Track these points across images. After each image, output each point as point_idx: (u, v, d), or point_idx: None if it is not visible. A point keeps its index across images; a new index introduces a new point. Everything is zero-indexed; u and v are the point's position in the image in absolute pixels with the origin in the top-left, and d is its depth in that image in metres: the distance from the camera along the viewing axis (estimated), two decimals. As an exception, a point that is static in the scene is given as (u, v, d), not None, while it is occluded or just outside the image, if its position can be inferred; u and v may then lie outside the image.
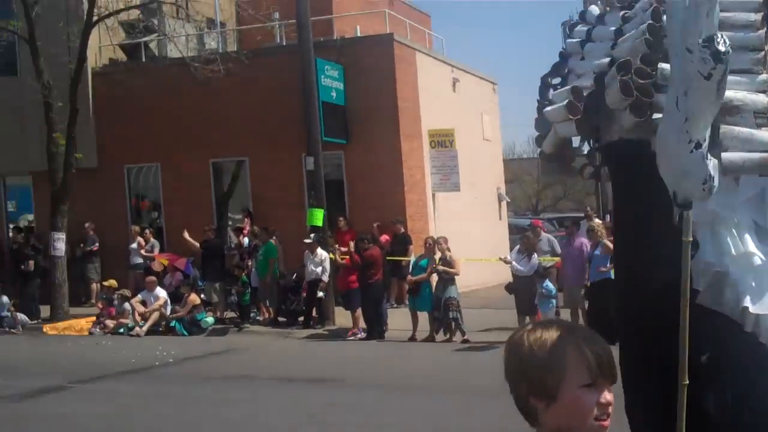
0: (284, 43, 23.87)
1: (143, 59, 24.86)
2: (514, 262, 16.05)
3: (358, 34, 23.70)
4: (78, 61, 20.62)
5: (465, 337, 15.92)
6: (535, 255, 15.98)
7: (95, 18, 20.63)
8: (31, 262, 21.18)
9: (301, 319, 18.36)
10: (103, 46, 24.26)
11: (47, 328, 19.41)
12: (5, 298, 19.75)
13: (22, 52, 23.17)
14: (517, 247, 16.52)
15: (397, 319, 17.46)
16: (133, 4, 22.00)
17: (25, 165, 24.33)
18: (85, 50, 20.76)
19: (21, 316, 19.36)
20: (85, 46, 20.66)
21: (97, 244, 22.74)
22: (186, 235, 20.03)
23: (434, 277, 16.51)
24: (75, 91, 20.53)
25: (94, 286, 22.35)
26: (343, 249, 18.12)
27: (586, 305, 15.56)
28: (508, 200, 29.64)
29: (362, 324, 17.12)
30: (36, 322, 19.90)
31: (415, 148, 22.31)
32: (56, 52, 21.50)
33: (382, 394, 11.60)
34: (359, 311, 17.17)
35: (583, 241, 15.98)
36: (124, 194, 24.18)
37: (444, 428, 9.52)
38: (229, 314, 19.55)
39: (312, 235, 18.20)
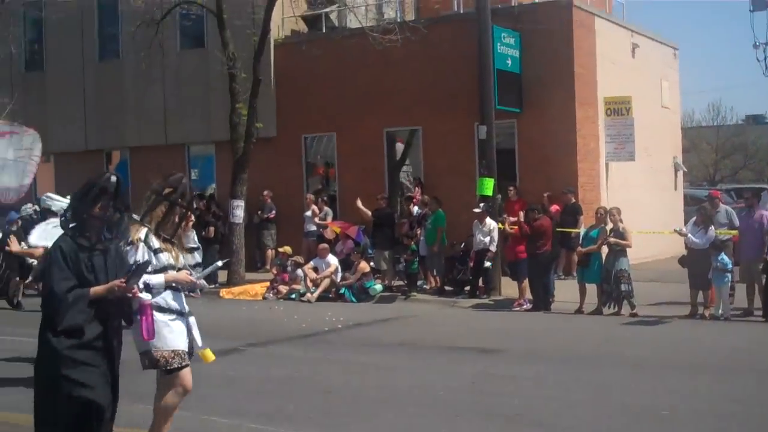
0: (461, 11, 23.77)
1: (323, 30, 25.35)
2: (689, 235, 15.50)
3: (536, 0, 23.30)
4: (261, 33, 21.12)
5: (634, 311, 15.52)
6: (712, 227, 15.35)
7: (280, -10, 21.08)
8: (212, 229, 22.01)
9: (468, 288, 18.36)
10: (285, 18, 24.85)
11: (224, 292, 19.95)
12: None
13: (210, 25, 24.12)
14: (693, 218, 15.91)
15: (565, 290, 17.19)
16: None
17: (208, 134, 25.44)
18: (269, 22, 21.25)
19: (200, 281, 19.99)
20: (269, 18, 21.15)
21: (274, 212, 23.42)
22: (359, 203, 20.36)
23: (604, 249, 16.16)
24: (258, 63, 21.03)
25: (270, 252, 23.02)
26: (513, 218, 17.97)
27: (764, 280, 14.87)
28: (685, 170, 28.52)
29: (529, 295, 16.98)
30: (214, 286, 20.39)
31: (590, 116, 21.82)
32: (241, 24, 22.24)
33: (546, 366, 11.45)
34: (526, 282, 17.03)
35: (764, 214, 15.29)
36: (301, 163, 24.83)
37: (608, 403, 9.30)
38: (397, 282, 19.79)
39: (481, 205, 18.13)
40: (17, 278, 17.93)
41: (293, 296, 19.23)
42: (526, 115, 21.38)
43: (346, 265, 19.80)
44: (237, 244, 21.20)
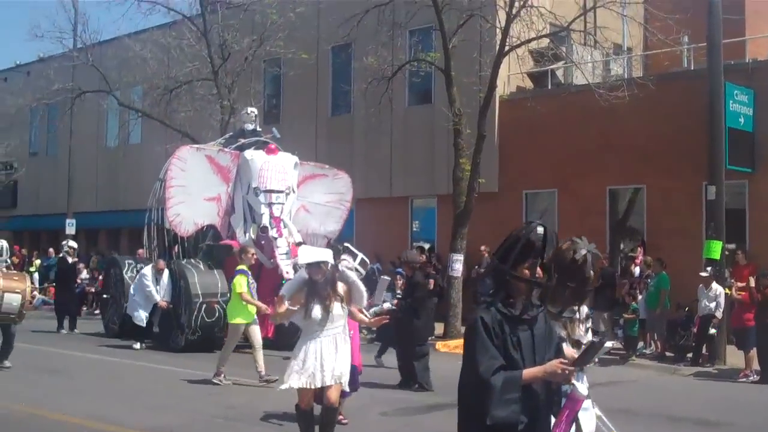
0: (692, 68, 23.21)
1: (549, 86, 25.40)
2: None
3: (772, 56, 22.41)
4: (488, 90, 21.45)
5: None
6: None
7: (507, 48, 21.30)
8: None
9: (690, 355, 17.72)
10: (511, 75, 25.13)
11: (440, 345, 20.06)
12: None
13: (437, 82, 24.78)
14: None
15: (797, 363, 16.23)
16: (544, 34, 22.56)
17: (431, 188, 25.99)
18: (496, 79, 21.56)
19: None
20: (496, 74, 21.47)
21: (491, 267, 23.44)
22: (579, 262, 20.02)
23: (842, 321, 15.20)
24: (483, 119, 21.34)
25: (485, 307, 23.03)
26: (741, 284, 17.21)
27: None
28: None
29: (756, 366, 16.13)
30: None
31: (830, 178, 20.64)
32: (468, 81, 22.70)
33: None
34: (754, 352, 16.19)
35: None
36: (522, 219, 24.72)
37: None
38: (616, 345, 19.31)
39: (708, 269, 17.49)
40: None
41: (509, 352, 19.09)
42: (759, 175, 20.54)
43: (563, 324, 19.50)
44: (455, 297, 21.43)
